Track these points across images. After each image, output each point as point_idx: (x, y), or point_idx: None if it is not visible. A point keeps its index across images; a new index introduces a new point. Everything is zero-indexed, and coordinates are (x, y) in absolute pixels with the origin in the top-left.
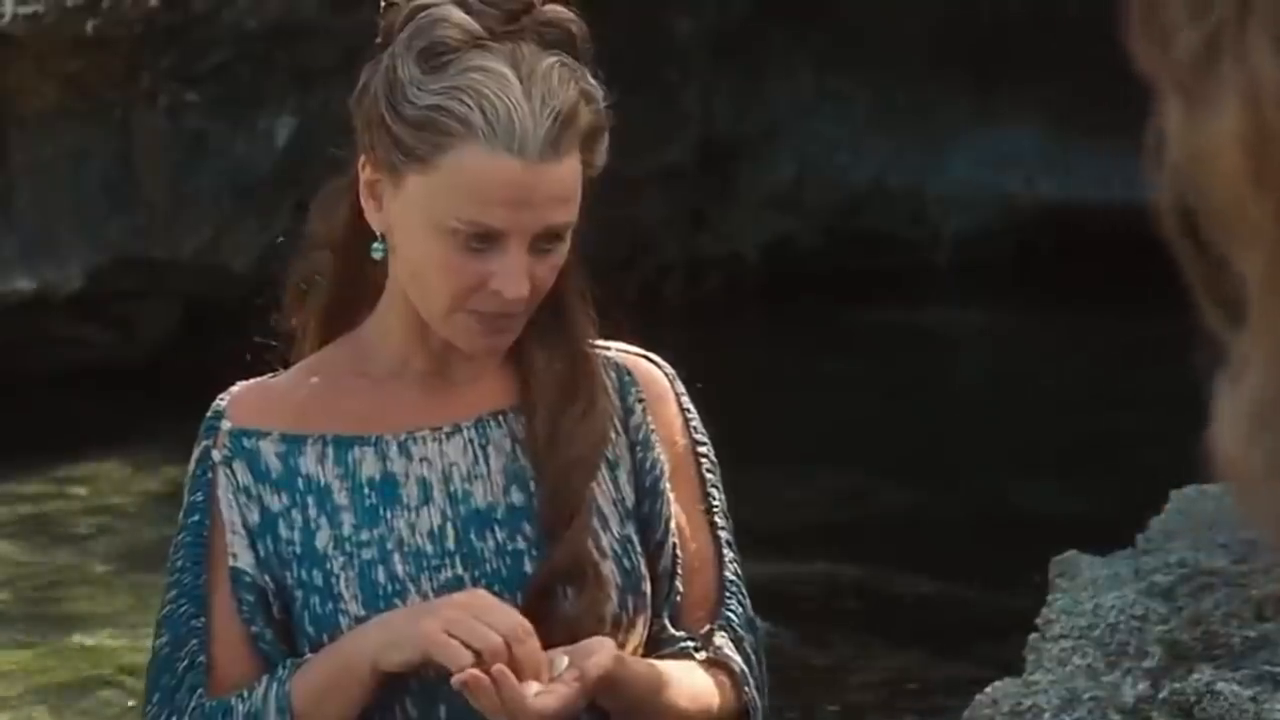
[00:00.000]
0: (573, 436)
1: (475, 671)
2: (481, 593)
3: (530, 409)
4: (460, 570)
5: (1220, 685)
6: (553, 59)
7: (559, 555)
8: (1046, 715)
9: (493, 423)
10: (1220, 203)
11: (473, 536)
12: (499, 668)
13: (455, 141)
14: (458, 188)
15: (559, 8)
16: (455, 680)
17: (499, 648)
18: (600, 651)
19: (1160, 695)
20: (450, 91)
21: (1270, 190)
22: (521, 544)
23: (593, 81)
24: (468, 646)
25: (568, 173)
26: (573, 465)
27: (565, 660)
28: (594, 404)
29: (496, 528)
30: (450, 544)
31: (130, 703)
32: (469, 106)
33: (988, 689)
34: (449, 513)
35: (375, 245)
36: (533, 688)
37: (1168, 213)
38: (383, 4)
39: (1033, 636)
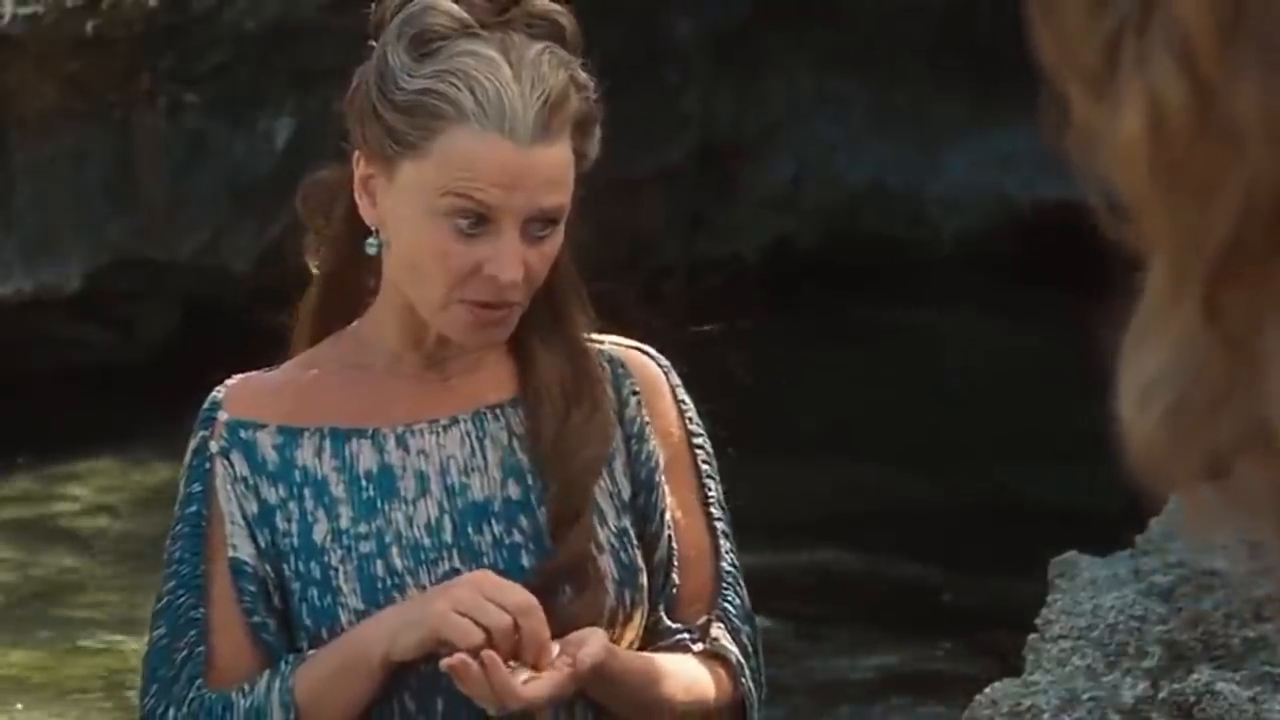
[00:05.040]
0: (580, 439)
1: (464, 656)
2: (488, 573)
3: (533, 408)
4: (458, 563)
5: (1220, 685)
6: (542, 46)
7: (562, 554)
8: (1046, 716)
9: (490, 416)
10: (1126, 198)
11: (470, 529)
12: (488, 654)
13: (446, 125)
14: (450, 169)
15: (548, 2)
16: (444, 664)
17: (507, 627)
18: (591, 641)
19: (1160, 696)
20: (440, 75)
21: (1166, 190)
22: (519, 537)
23: (583, 73)
24: (478, 625)
25: (559, 157)
26: (580, 468)
27: (556, 648)
28: (598, 405)
29: (494, 521)
30: (448, 537)
31: (129, 692)
32: (459, 89)
33: (987, 689)
34: (446, 505)
35: (370, 240)
36: (522, 674)
37: (1098, 199)
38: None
39: (1032, 637)
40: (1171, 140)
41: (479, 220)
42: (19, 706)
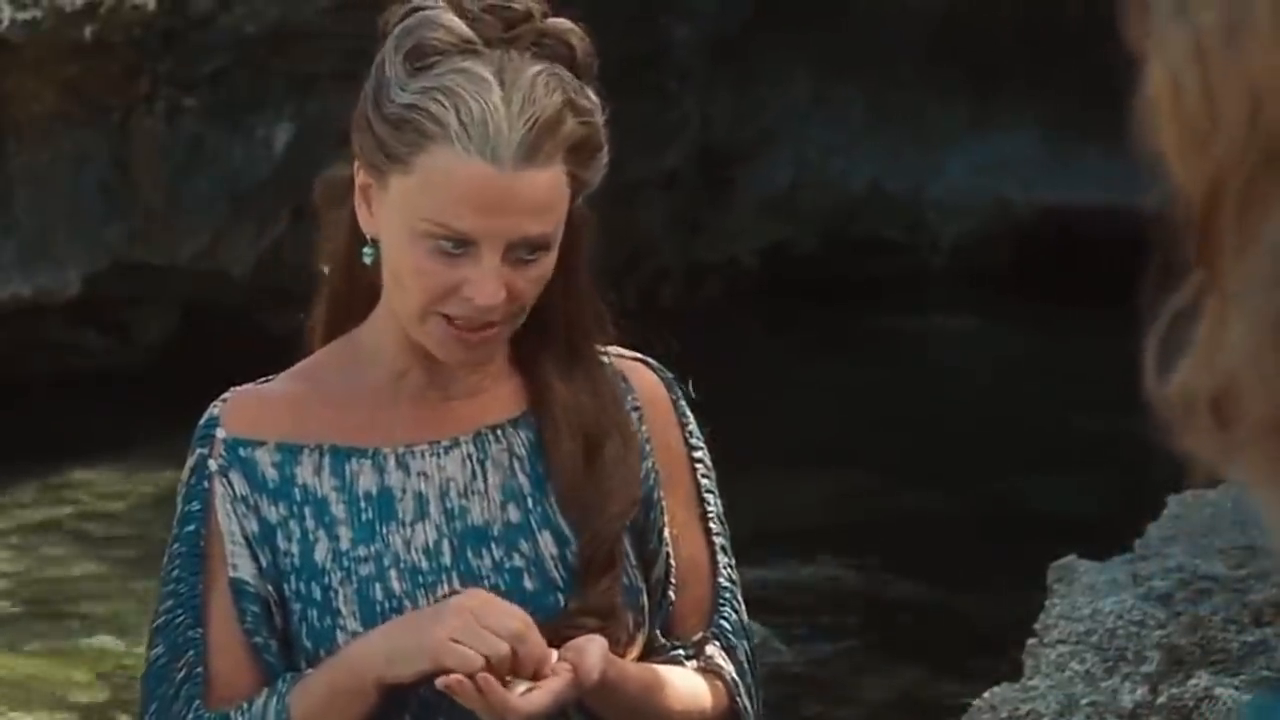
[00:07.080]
0: (610, 482)
1: (459, 676)
2: (479, 592)
3: (551, 445)
4: (457, 586)
5: (1218, 690)
6: (540, 67)
7: (591, 600)
8: None
9: (491, 437)
10: (1165, 159)
11: (469, 553)
12: (483, 676)
13: (430, 143)
14: (430, 190)
15: (562, 21)
16: (440, 683)
17: (505, 654)
18: (592, 650)
19: (1158, 700)
20: (429, 92)
21: (1184, 148)
22: (519, 561)
23: (589, 95)
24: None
25: (546, 183)
26: (614, 513)
27: (554, 656)
28: (629, 442)
29: (493, 545)
30: (446, 560)
31: (128, 697)
32: (445, 107)
33: (986, 694)
34: (445, 529)
35: (365, 250)
36: (520, 687)
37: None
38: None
39: (1031, 642)
40: (1182, 92)
41: (459, 242)
42: (20, 711)
